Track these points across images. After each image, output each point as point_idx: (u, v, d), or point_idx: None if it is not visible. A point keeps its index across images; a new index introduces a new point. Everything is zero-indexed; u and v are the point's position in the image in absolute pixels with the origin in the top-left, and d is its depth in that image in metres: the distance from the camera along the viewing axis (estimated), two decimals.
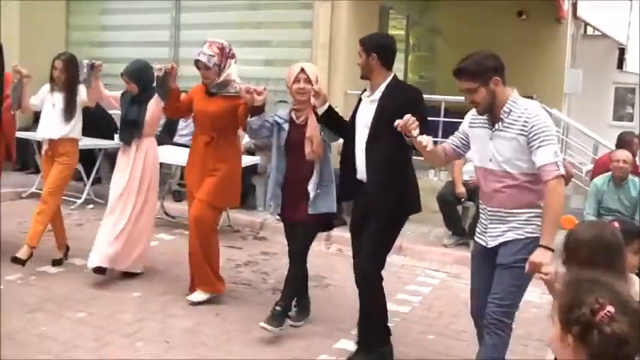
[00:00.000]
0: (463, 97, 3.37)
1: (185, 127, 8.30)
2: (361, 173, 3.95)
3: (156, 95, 5.10)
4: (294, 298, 4.57)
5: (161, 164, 6.24)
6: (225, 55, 4.74)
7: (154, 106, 5.24)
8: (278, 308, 4.33)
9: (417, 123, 3.31)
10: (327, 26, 8.23)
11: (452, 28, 11.76)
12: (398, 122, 3.34)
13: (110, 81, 9.80)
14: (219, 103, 4.76)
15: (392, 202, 3.86)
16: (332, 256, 6.39)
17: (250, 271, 5.87)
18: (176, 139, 8.46)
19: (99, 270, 5.18)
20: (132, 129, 5.27)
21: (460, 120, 3.61)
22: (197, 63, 4.74)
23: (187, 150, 7.39)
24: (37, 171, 8.71)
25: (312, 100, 4.10)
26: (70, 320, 4.49)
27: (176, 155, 7.28)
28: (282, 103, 8.60)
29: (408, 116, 3.31)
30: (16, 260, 5.28)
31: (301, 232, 4.46)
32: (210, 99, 4.81)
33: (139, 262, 5.43)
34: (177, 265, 5.74)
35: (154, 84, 4.91)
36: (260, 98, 4.25)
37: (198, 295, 4.89)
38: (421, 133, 3.34)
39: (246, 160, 7.17)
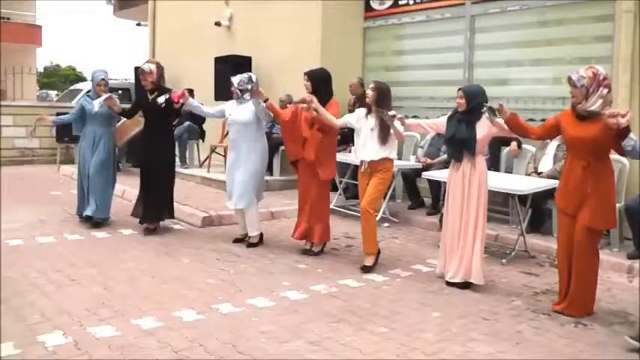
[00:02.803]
0: None
1: None
2: None
3: (485, 116, 5.45)
4: None
5: None
6: (597, 81, 4.83)
7: (485, 126, 5.56)
8: None
9: None
10: (630, 37, 7.52)
11: None
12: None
13: (407, 103, 10.13)
14: (593, 128, 4.81)
15: None
16: (636, 290, 5.75)
17: (549, 300, 5.49)
18: None
19: (458, 285, 5.72)
20: (461, 147, 5.65)
21: None
22: (569, 81, 4.92)
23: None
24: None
25: None
26: (373, 334, 4.60)
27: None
28: None
29: None
30: (365, 269, 6.14)
31: None
32: (583, 124, 4.89)
33: (472, 276, 5.70)
34: (482, 286, 5.70)
35: (483, 109, 5.36)
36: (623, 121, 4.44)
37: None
38: None
39: (544, 184, 6.85)
